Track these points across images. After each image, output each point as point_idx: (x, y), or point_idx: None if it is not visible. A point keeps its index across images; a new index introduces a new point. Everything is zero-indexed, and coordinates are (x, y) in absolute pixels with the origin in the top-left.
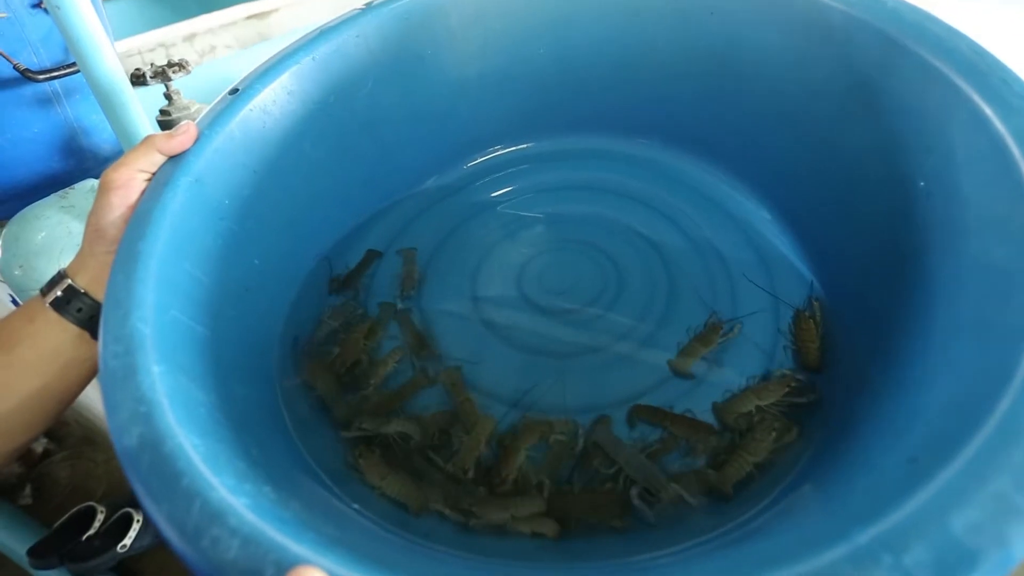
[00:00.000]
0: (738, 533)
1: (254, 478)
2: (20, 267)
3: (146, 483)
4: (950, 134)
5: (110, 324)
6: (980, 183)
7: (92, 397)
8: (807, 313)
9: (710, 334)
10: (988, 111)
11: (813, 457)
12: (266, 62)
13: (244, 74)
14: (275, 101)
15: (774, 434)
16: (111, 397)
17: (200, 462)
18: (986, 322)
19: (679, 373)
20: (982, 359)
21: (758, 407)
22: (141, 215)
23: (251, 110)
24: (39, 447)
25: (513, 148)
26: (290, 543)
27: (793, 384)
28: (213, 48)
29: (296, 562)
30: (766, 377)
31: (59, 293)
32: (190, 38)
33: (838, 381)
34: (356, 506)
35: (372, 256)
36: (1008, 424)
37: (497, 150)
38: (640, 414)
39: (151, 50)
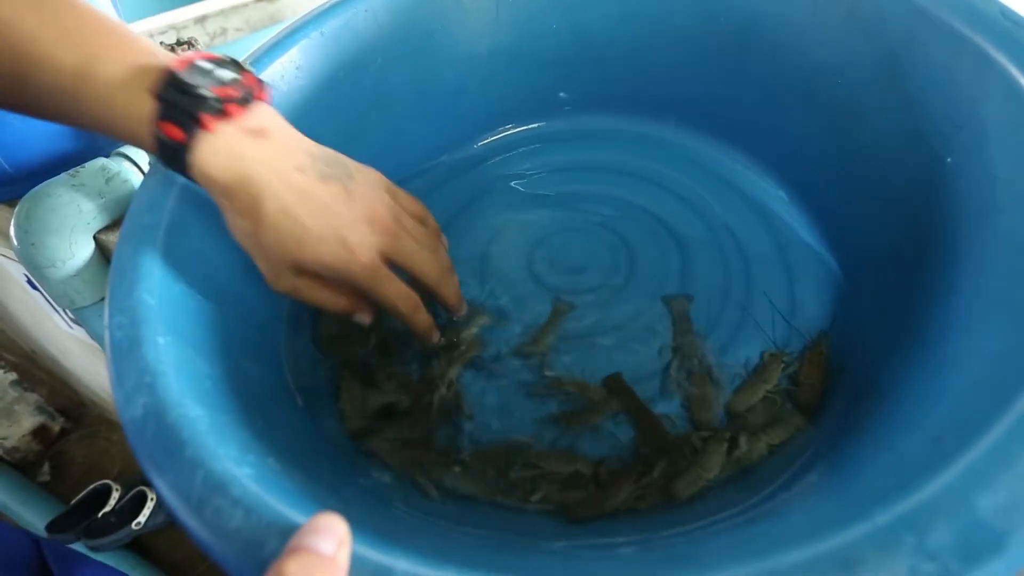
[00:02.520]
0: (754, 513)
1: (258, 449)
2: (33, 244)
3: (150, 453)
4: (982, 108)
5: (116, 296)
6: (1014, 159)
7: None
8: (819, 348)
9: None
10: None
11: (832, 437)
12: (275, 36)
13: None
14: (283, 76)
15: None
16: (117, 368)
17: (204, 432)
18: (1015, 302)
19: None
20: (1010, 339)
21: (768, 392)
22: (148, 189)
23: None
24: (56, 426)
25: (525, 127)
26: (294, 514)
27: (785, 359)
28: (224, 31)
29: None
30: (761, 362)
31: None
32: (201, 20)
33: (858, 362)
34: (362, 480)
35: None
36: None
37: (509, 128)
38: (613, 385)
39: (162, 32)
